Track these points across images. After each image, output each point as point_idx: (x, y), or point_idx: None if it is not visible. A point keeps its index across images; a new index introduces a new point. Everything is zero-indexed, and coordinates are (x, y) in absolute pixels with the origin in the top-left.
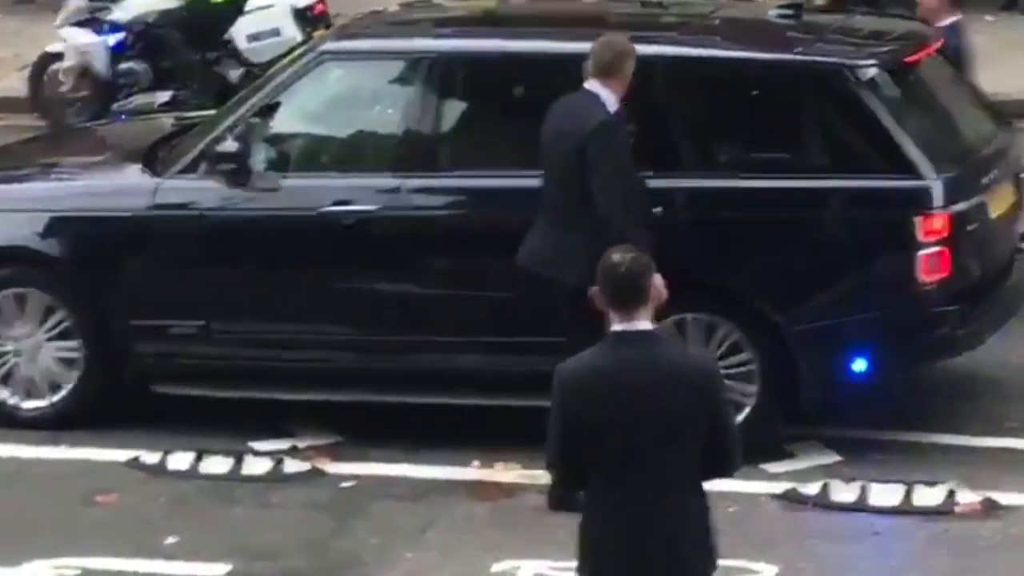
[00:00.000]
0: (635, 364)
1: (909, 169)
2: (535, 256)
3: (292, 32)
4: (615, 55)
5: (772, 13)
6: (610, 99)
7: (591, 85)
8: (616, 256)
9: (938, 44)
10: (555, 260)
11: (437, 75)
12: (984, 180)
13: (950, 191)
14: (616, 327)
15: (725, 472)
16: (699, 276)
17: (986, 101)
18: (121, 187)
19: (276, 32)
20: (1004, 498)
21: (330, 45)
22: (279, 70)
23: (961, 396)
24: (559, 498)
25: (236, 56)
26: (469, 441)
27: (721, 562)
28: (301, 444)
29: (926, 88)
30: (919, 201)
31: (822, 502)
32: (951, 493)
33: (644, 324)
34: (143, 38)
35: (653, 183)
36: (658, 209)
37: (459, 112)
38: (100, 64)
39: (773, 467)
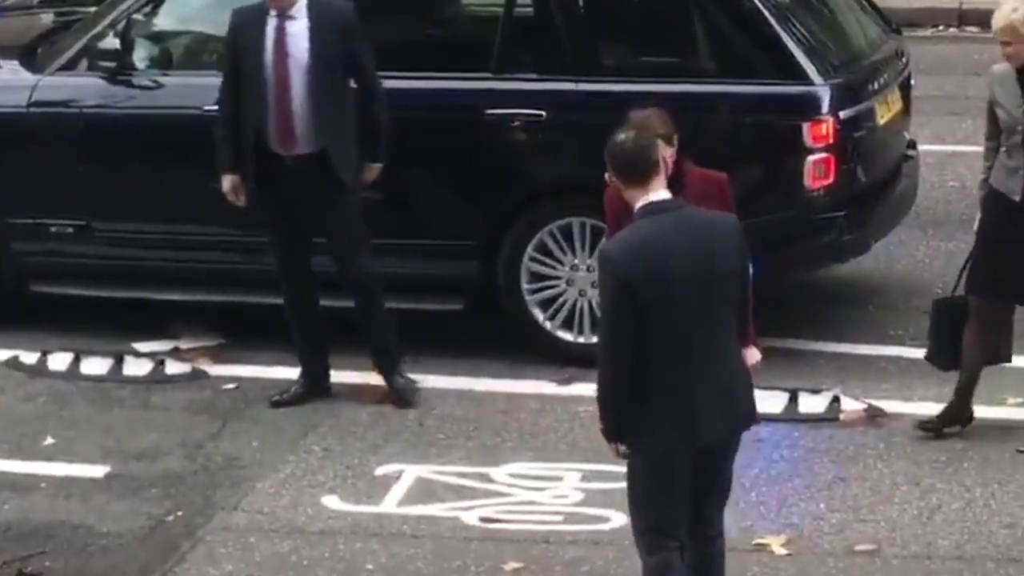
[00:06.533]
0: (674, 227)
1: (797, 75)
2: None
3: None
4: None
5: None
6: None
7: None
8: (620, 135)
9: None
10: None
11: None
12: (872, 86)
13: (837, 97)
14: (641, 202)
15: (748, 323)
16: (583, 180)
17: (875, 7)
18: None
19: None
20: (887, 406)
21: None
22: None
23: (846, 303)
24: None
25: None
26: (353, 344)
27: (603, 467)
28: (183, 345)
29: None
30: (806, 107)
31: None
32: (835, 400)
33: (665, 193)
34: None
35: (539, 86)
36: (542, 113)
37: None
38: None
39: None
